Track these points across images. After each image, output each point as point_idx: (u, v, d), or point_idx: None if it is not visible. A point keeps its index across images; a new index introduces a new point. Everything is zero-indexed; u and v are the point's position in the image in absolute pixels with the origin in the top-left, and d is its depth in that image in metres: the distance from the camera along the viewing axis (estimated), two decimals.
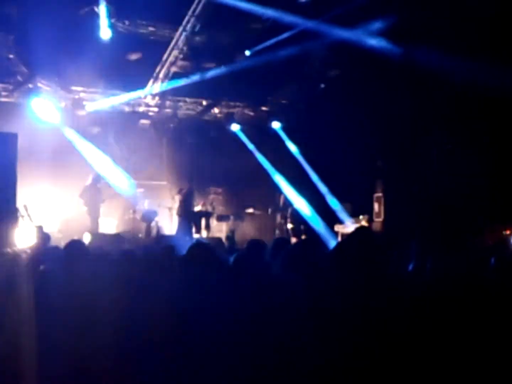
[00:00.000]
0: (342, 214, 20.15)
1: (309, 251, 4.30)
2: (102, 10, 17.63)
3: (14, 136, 14.40)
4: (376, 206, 19.16)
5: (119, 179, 18.85)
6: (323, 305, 3.36)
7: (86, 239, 14.83)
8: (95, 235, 16.08)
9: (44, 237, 11.33)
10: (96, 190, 17.95)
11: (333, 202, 20.69)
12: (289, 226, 19.74)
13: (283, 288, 3.74)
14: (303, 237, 18.71)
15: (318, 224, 20.05)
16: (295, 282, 3.83)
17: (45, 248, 8.07)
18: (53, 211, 17.57)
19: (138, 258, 6.31)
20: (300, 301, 3.48)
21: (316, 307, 3.36)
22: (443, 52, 16.10)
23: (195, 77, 19.72)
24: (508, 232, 16.59)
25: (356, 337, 3.23)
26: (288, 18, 17.82)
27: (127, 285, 4.90)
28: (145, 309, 4.28)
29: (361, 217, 18.85)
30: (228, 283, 4.26)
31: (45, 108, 18.34)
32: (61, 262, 6.17)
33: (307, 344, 3.26)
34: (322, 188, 21.03)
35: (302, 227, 19.73)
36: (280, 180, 21.03)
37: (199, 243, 4.90)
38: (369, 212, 19.08)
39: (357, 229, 4.15)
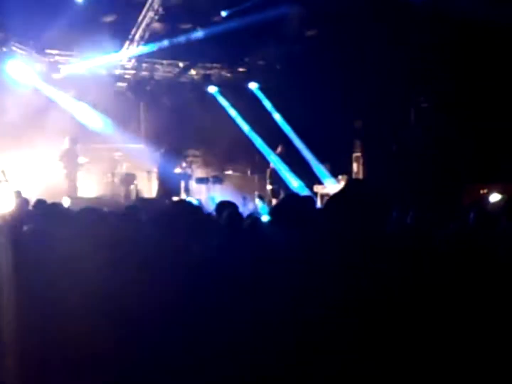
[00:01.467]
0: (321, 174, 20.20)
1: (298, 205, 4.28)
2: None
3: None
4: (355, 166, 19.18)
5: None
6: (314, 258, 3.34)
7: (65, 203, 14.75)
8: (74, 199, 16.03)
9: (23, 202, 11.26)
10: (74, 153, 17.83)
11: (312, 162, 20.78)
12: (268, 187, 19.74)
13: (272, 242, 3.73)
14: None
15: (297, 185, 20.15)
16: (284, 235, 3.83)
17: (24, 212, 8.02)
18: (31, 175, 17.40)
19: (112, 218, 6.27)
20: (290, 256, 3.47)
21: (307, 261, 3.35)
22: None
23: (171, 39, 19.57)
24: (485, 192, 16.67)
25: (347, 289, 3.23)
26: None
27: (109, 246, 4.88)
28: (128, 269, 4.26)
29: (340, 177, 18.84)
30: (219, 239, 4.25)
31: (20, 72, 18.16)
32: (41, 225, 6.12)
33: (298, 298, 3.26)
34: (301, 148, 21.10)
35: (280, 188, 19.76)
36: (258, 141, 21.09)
37: (183, 201, 4.87)
38: (348, 172, 19.10)
39: (351, 182, 4.15)
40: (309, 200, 4.58)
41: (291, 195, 4.73)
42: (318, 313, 3.19)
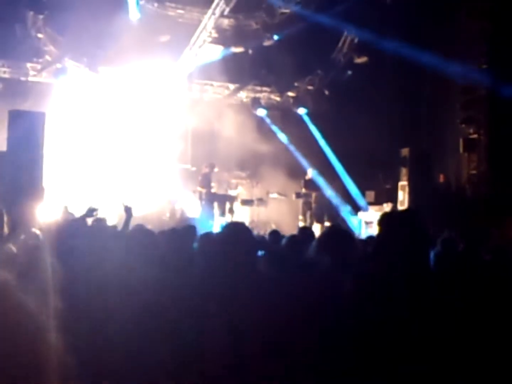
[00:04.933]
0: (363, 202, 20.17)
1: (340, 237, 4.33)
2: None
3: (41, 115, 14.54)
4: (400, 194, 19.05)
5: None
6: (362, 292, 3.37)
7: (113, 220, 14.90)
8: (121, 216, 16.17)
9: (69, 217, 11.39)
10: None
11: (354, 190, 20.76)
12: (313, 212, 19.75)
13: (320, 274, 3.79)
14: (326, 223, 18.74)
15: (343, 212, 20.13)
16: (330, 267, 3.87)
17: (70, 224, 8.11)
18: (80, 192, 17.61)
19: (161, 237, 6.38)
20: (338, 287, 3.50)
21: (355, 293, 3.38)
22: None
23: (223, 61, 19.78)
24: None
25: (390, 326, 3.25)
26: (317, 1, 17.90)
27: (152, 263, 4.97)
28: (170, 287, 4.33)
29: (385, 205, 18.75)
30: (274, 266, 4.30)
31: (73, 89, 18.48)
32: (86, 237, 6.19)
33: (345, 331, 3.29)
34: (345, 176, 21.07)
35: (325, 214, 19.74)
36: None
37: (235, 223, 4.92)
38: (393, 200, 18.99)
39: (406, 211, 4.17)
40: (350, 235, 4.64)
41: (337, 226, 4.78)
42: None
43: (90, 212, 7.17)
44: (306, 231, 7.12)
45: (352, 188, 20.94)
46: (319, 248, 4.23)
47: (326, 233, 4.60)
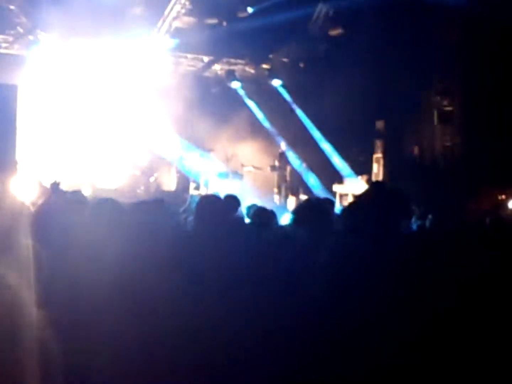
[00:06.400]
0: (342, 172, 20.19)
1: (317, 208, 4.35)
2: None
3: (14, 87, 14.40)
4: (375, 167, 19.12)
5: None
6: (337, 261, 3.40)
7: (86, 192, 14.82)
8: (95, 189, 16.13)
9: (44, 191, 11.32)
10: None
11: (334, 162, 20.76)
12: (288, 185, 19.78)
13: (294, 244, 3.80)
14: (300, 196, 18.78)
15: (315, 184, 20.18)
16: (305, 237, 3.89)
17: (49, 200, 8.05)
18: (52, 164, 17.51)
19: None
20: (313, 256, 3.52)
21: (330, 264, 3.40)
22: None
23: (197, 33, 19.61)
24: (504, 197, 16.57)
25: (368, 293, 3.28)
26: None
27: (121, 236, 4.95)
28: (150, 257, 4.34)
29: (359, 177, 18.79)
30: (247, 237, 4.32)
31: (45, 60, 18.26)
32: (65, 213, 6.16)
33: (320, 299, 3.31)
34: (323, 147, 21.06)
35: (300, 187, 19.80)
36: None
37: (210, 195, 4.93)
38: (368, 172, 19.05)
39: (373, 184, 4.21)
40: (329, 203, 4.65)
41: (312, 199, 4.80)
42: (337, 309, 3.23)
43: (54, 186, 7.12)
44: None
45: (333, 158, 20.93)
46: (295, 221, 4.25)
47: (301, 206, 4.62)
